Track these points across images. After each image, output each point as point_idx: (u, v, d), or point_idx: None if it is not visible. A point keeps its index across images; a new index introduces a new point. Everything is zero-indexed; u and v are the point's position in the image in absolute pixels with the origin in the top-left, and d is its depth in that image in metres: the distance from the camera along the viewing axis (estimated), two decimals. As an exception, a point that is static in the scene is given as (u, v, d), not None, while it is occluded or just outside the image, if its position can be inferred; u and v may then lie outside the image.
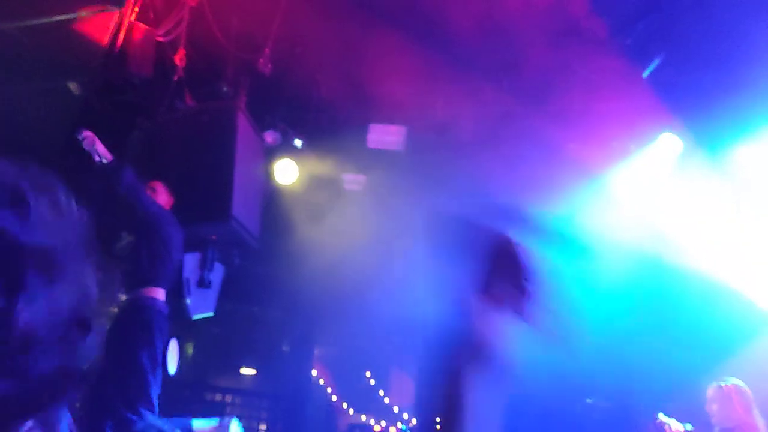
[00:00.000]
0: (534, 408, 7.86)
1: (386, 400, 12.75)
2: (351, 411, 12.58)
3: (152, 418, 4.45)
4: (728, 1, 5.72)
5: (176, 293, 5.84)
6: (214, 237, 6.37)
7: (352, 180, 7.62)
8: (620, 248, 7.21)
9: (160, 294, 4.80)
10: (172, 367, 5.13)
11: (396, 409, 12.63)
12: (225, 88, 6.54)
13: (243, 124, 6.22)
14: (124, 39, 5.29)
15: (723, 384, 5.41)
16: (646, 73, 6.29)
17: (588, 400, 8.15)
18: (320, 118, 7.31)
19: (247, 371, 10.88)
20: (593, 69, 6.21)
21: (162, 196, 5.17)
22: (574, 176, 7.22)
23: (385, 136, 7.23)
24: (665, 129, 7.15)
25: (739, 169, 7.31)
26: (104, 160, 4.63)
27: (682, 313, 7.18)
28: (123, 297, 4.78)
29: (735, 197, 7.30)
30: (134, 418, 4.36)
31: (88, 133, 4.63)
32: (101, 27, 5.13)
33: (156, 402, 4.54)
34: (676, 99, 6.56)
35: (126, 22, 5.29)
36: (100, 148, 4.65)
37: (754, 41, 5.85)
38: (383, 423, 12.60)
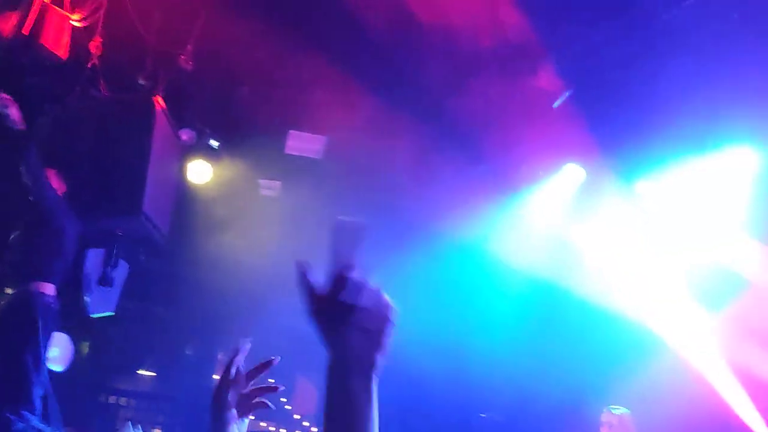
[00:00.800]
0: (429, 422, 7.99)
1: (288, 408, 12.64)
2: (251, 417, 12.37)
3: (33, 419, 4.24)
4: (639, 45, 6.04)
5: (74, 289, 5.61)
6: (119, 232, 6.16)
7: (268, 185, 7.56)
8: (524, 269, 7.46)
9: (49, 289, 4.56)
10: (60, 365, 4.91)
11: (297, 417, 12.54)
12: (142, 81, 6.36)
13: (160, 119, 6.07)
14: (36, 21, 5.07)
15: (619, 412, 5.75)
16: (556, 104, 6.55)
17: (482, 415, 8.35)
18: (239, 120, 7.21)
19: (145, 373, 10.54)
20: (508, 97, 6.42)
21: (53, 186, 4.94)
22: (486, 199, 7.44)
23: (304, 143, 7.21)
24: (572, 159, 7.47)
25: (642, 202, 7.71)
26: (14, 126, 4.43)
27: (577, 334, 7.48)
28: (9, 290, 4.52)
29: (636, 228, 7.68)
30: (13, 418, 4.14)
31: (6, 96, 4.43)
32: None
33: (38, 403, 4.32)
34: (586, 131, 6.85)
35: (38, 3, 5.08)
36: (14, 113, 4.43)
37: (663, 84, 6.20)
38: (283, 431, 12.48)
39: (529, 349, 7.45)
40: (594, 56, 6.19)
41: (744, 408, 7.45)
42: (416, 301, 7.46)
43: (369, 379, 1.13)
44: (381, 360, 1.15)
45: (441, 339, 7.42)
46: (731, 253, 7.38)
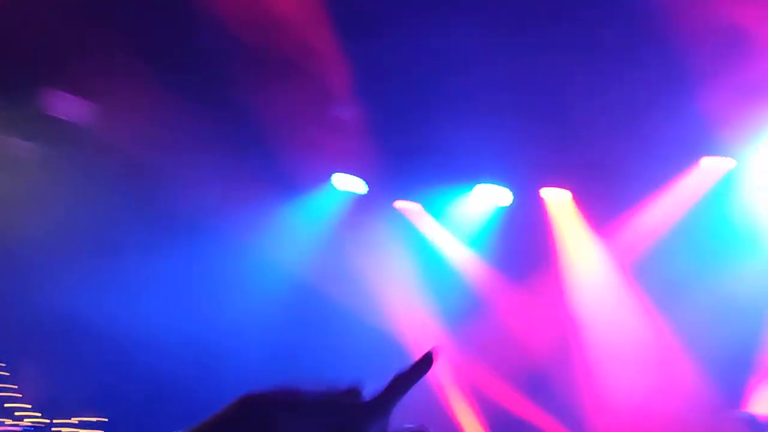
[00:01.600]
0: (173, 418, 7.66)
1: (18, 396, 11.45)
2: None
3: None
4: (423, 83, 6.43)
5: None
6: None
7: (18, 145, 6.74)
8: (290, 272, 7.51)
9: None
10: None
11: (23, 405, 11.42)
12: None
13: None
14: None
15: None
16: (340, 114, 6.70)
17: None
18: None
19: None
20: (297, 102, 6.43)
21: None
22: (262, 198, 7.38)
23: (68, 106, 6.53)
24: (351, 170, 7.70)
25: (404, 219, 8.18)
26: None
27: (333, 340, 7.69)
28: None
29: (397, 244, 8.10)
30: None
31: None
32: None
33: None
34: (367, 145, 7.08)
35: None
36: None
37: (434, 120, 6.67)
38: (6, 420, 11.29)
39: (284, 352, 7.48)
40: (386, 80, 6.42)
41: (470, 424, 8.14)
42: (170, 296, 7.12)
43: None
44: None
45: (192, 336, 7.17)
46: (469, 275, 8.20)
